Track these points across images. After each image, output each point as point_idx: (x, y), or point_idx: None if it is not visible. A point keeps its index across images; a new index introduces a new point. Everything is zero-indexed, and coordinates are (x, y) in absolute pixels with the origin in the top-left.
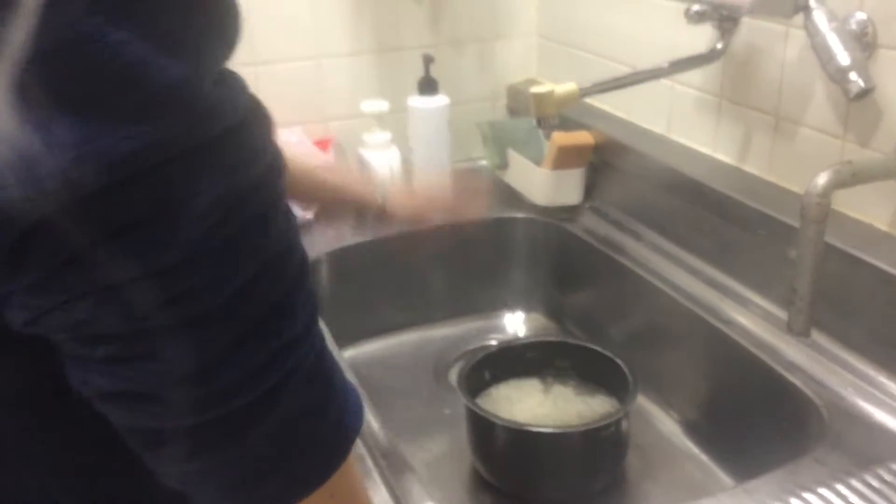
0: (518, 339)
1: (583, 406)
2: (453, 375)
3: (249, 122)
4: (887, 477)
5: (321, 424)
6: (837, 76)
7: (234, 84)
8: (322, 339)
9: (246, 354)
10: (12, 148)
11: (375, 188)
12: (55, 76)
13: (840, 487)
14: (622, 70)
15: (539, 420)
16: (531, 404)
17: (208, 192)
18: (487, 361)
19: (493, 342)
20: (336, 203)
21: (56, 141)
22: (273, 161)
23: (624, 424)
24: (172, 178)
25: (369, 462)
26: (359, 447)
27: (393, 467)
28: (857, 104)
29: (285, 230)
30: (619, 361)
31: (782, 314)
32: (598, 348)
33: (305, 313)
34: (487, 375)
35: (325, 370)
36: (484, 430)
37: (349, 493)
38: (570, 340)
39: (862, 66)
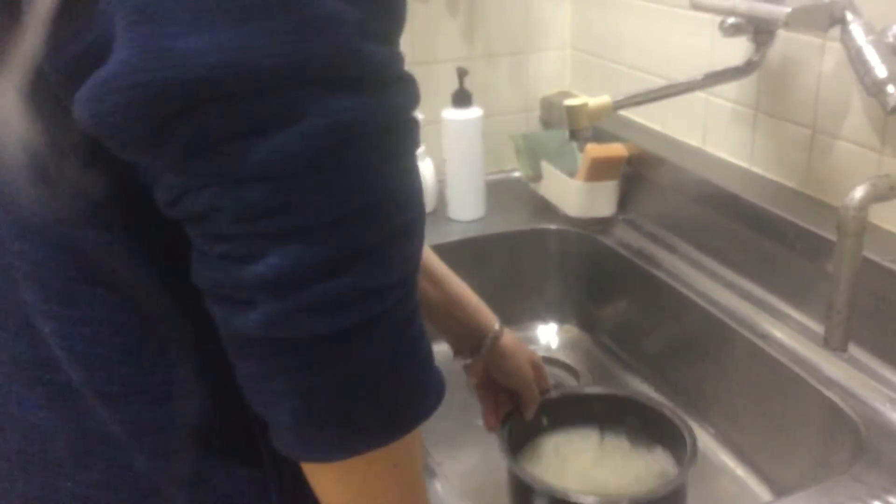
0: (577, 388)
1: (639, 464)
2: None
3: (391, 69)
4: None
5: (395, 385)
6: (874, 89)
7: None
8: (415, 309)
9: (335, 284)
10: (177, 38)
11: (489, 327)
12: None
13: None
14: (656, 82)
15: (591, 483)
16: (584, 462)
17: (333, 115)
18: (541, 407)
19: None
20: (432, 323)
21: (216, 41)
22: (407, 118)
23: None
24: (305, 98)
25: None
26: None
27: (426, 477)
28: (895, 118)
29: (401, 186)
30: (676, 421)
31: (819, 328)
32: (654, 402)
33: (402, 271)
34: (545, 420)
35: (412, 337)
36: (523, 493)
37: (412, 467)
38: (626, 394)
39: None
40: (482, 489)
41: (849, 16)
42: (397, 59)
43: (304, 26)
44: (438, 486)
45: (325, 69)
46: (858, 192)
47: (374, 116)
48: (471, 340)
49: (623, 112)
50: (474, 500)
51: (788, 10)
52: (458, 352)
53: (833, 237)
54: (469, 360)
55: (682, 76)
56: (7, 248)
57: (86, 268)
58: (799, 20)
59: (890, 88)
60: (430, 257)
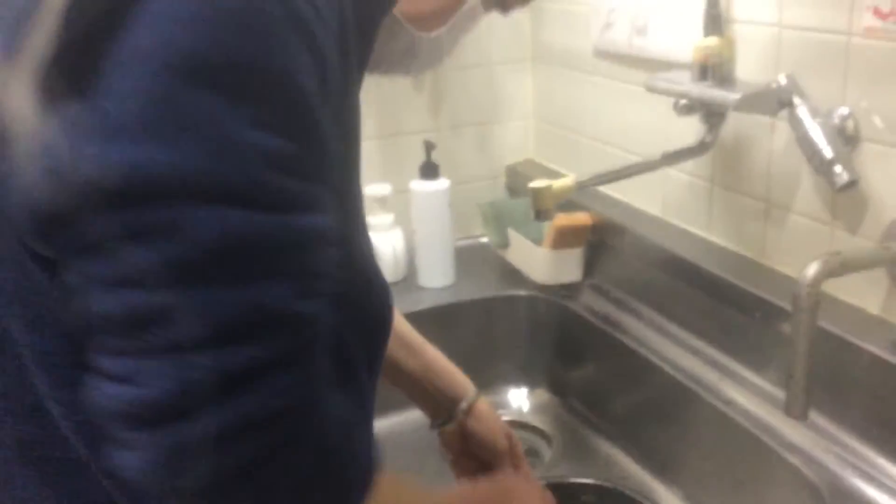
0: (563, 476)
1: None
2: None
3: (300, 202)
4: None
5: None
6: (822, 168)
7: None
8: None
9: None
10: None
11: (465, 393)
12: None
13: None
14: (616, 154)
15: None
16: None
17: (224, 227)
18: None
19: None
20: (408, 392)
21: (123, 151)
22: (308, 240)
23: None
24: (198, 211)
25: None
26: None
27: None
28: (843, 194)
29: (287, 308)
30: None
31: (781, 394)
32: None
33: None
34: None
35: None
36: None
37: None
38: (613, 485)
39: (846, 159)
40: None
41: (796, 100)
42: (310, 195)
43: (213, 149)
44: None
45: (226, 189)
46: (811, 270)
47: (270, 234)
48: (446, 407)
49: None
50: None
51: (738, 96)
52: (434, 419)
53: (790, 306)
54: (445, 428)
55: (640, 148)
56: (18, 340)
57: None
58: (748, 105)
59: (837, 168)
60: (403, 326)
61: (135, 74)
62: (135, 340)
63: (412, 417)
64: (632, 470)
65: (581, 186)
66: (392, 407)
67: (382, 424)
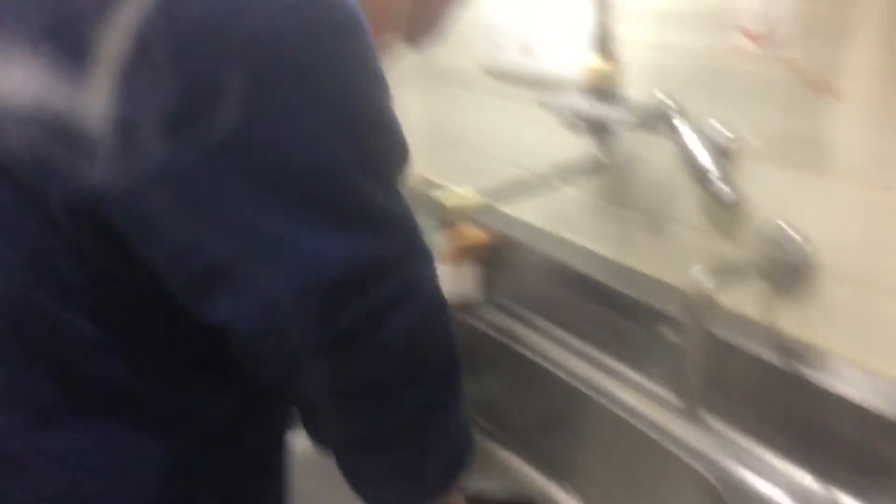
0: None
1: None
2: None
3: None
4: None
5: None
6: (704, 183)
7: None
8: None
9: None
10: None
11: None
12: (331, 200)
13: None
14: (507, 169)
15: None
16: None
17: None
18: None
19: None
20: None
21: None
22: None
23: None
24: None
25: None
26: None
27: None
28: (723, 205)
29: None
30: None
31: (671, 396)
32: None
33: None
34: None
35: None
36: None
37: None
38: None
39: (727, 174)
40: None
41: (676, 120)
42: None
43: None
44: None
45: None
46: (699, 277)
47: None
48: None
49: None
50: None
51: (623, 114)
52: None
53: (675, 313)
54: None
55: (529, 163)
56: None
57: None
58: (637, 124)
59: (718, 183)
60: None
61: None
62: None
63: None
64: (534, 479)
65: (488, 202)
66: None
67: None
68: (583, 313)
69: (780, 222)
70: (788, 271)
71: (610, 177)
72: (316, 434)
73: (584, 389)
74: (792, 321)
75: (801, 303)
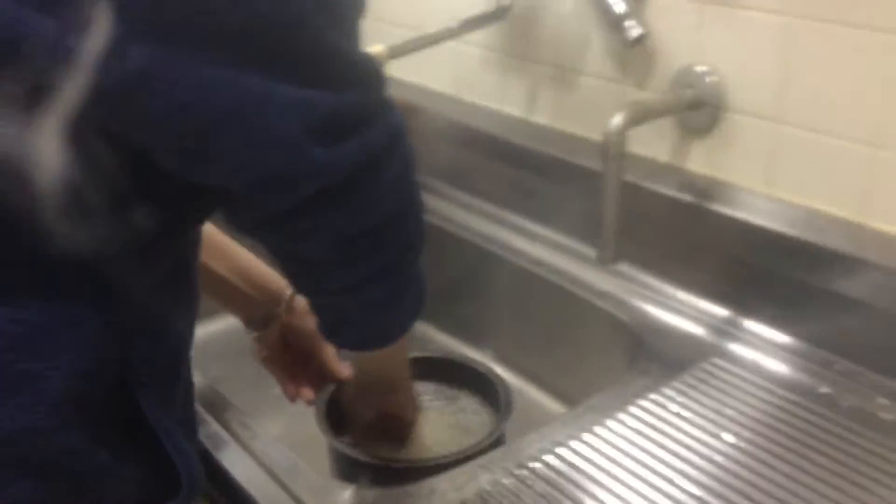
0: None
1: (459, 418)
2: None
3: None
4: (701, 375)
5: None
6: (614, 24)
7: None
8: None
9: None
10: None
11: (281, 292)
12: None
13: (663, 392)
14: (401, 32)
15: (415, 442)
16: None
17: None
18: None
19: None
20: (222, 298)
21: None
22: None
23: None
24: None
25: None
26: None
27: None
28: (632, 49)
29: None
30: (490, 376)
31: (588, 250)
32: (467, 359)
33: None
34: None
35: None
36: (347, 467)
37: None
38: (441, 355)
39: (636, 13)
40: (304, 445)
41: None
42: None
43: None
44: (259, 445)
45: None
46: (617, 119)
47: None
48: (264, 308)
49: None
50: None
51: None
52: (250, 323)
53: (588, 165)
54: (262, 331)
55: (429, 24)
56: None
57: None
58: None
59: (627, 23)
60: (211, 232)
61: None
62: None
63: (223, 324)
64: (448, 344)
65: (394, 55)
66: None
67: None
68: (492, 177)
69: (691, 62)
70: (700, 112)
71: (511, 28)
72: (302, 287)
73: (496, 250)
74: (703, 160)
75: (713, 142)
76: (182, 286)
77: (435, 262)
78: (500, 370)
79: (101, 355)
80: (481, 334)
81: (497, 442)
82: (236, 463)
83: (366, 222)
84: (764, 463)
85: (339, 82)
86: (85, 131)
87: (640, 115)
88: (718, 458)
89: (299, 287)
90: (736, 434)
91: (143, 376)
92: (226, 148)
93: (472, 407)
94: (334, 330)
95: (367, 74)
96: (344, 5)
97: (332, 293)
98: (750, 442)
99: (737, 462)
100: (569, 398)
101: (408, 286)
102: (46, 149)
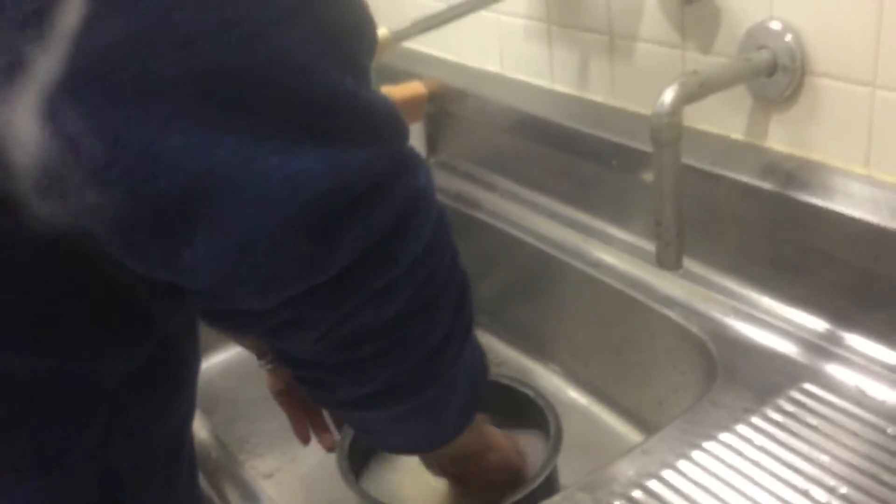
0: None
1: None
2: None
3: None
4: (788, 407)
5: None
6: None
7: None
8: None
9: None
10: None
11: None
12: (306, 116)
13: (742, 429)
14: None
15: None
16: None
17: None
18: None
19: None
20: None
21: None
22: None
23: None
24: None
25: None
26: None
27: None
28: (692, 8)
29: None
30: (540, 403)
31: (649, 246)
32: (516, 382)
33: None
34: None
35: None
36: None
37: None
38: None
39: None
40: (326, 492)
41: None
42: None
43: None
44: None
45: None
46: (668, 96)
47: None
48: None
49: (411, 46)
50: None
51: None
52: (262, 355)
53: (649, 148)
54: (277, 363)
55: None
56: None
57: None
58: None
59: None
60: None
61: None
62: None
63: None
64: (506, 354)
65: (399, 38)
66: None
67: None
68: (543, 164)
69: (763, 18)
70: (778, 77)
71: None
72: (314, 396)
73: (551, 251)
74: (785, 137)
75: (796, 113)
76: (190, 345)
77: (488, 265)
78: (558, 382)
79: (75, 480)
80: (541, 343)
81: (548, 480)
82: None
83: (367, 322)
84: None
85: (343, 138)
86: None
87: (699, 88)
88: None
89: (308, 395)
90: (830, 490)
91: (135, 482)
92: (196, 235)
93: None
94: (363, 434)
95: (384, 126)
96: (353, 39)
97: (340, 405)
98: (850, 502)
99: None
100: (632, 417)
101: (452, 387)
102: (23, 126)
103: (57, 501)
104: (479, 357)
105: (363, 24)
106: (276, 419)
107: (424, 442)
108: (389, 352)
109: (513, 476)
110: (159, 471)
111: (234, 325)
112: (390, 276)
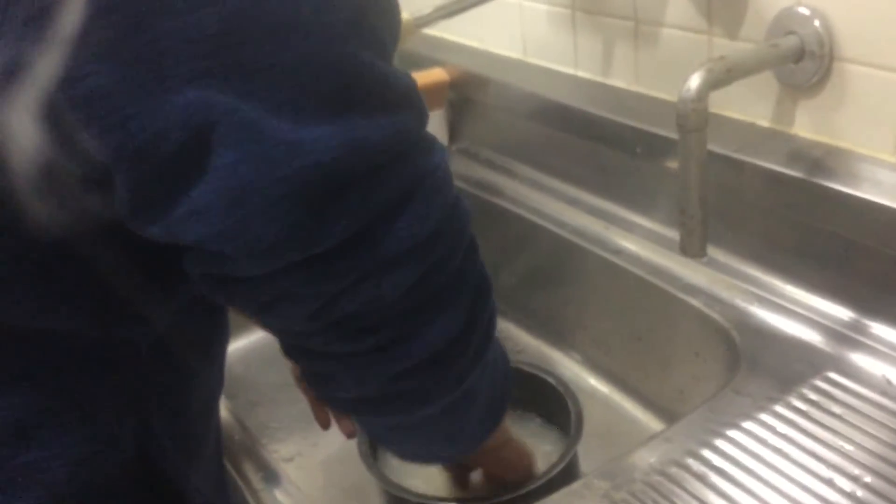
0: None
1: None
2: None
3: None
4: (812, 396)
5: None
6: None
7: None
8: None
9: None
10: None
11: None
12: (321, 86)
13: (766, 417)
14: None
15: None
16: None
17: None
18: None
19: None
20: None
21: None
22: None
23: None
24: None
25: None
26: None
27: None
28: None
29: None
30: (560, 390)
31: (672, 234)
32: (537, 369)
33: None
34: None
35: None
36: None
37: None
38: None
39: None
40: (347, 476)
41: None
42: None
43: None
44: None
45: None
46: (694, 82)
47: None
48: None
49: (435, 32)
50: (340, 489)
51: None
52: None
53: (674, 134)
54: None
55: None
56: None
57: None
58: None
59: None
60: None
61: None
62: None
63: (258, 340)
64: (526, 342)
65: (421, 24)
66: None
67: (249, 341)
68: (566, 151)
69: (792, 3)
70: (806, 63)
71: None
72: (321, 395)
73: (575, 238)
74: (813, 124)
75: (824, 100)
76: (218, 320)
77: (509, 252)
78: (579, 370)
79: (112, 432)
80: (561, 330)
81: (568, 468)
82: None
83: (371, 308)
84: None
85: (360, 112)
86: (60, 109)
87: (726, 74)
88: None
89: (316, 395)
90: (854, 479)
91: (167, 442)
92: (191, 185)
93: (532, 426)
94: (379, 443)
95: (402, 100)
96: (380, 17)
97: (347, 406)
98: (874, 491)
99: None
100: (657, 406)
101: (468, 399)
102: (20, 126)
103: (96, 452)
104: (501, 369)
105: (389, 4)
106: (298, 404)
107: (435, 453)
108: (389, 347)
109: (525, 473)
110: (190, 436)
111: (230, 295)
112: (389, 255)
